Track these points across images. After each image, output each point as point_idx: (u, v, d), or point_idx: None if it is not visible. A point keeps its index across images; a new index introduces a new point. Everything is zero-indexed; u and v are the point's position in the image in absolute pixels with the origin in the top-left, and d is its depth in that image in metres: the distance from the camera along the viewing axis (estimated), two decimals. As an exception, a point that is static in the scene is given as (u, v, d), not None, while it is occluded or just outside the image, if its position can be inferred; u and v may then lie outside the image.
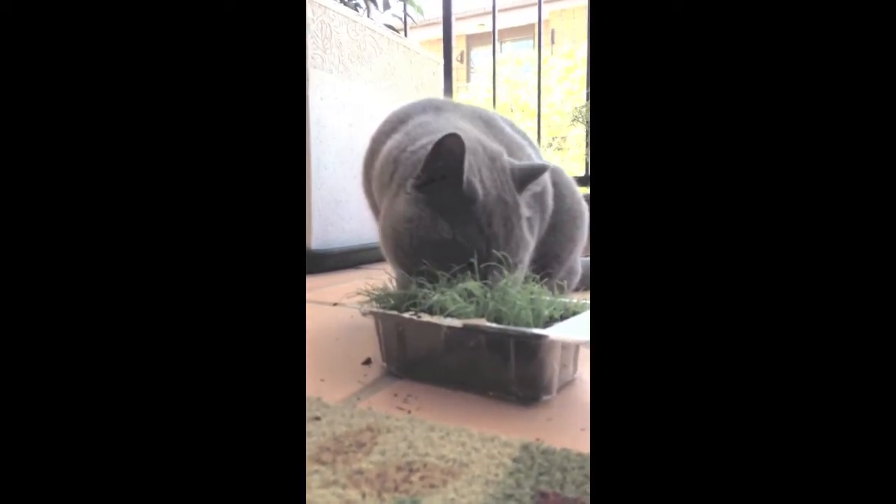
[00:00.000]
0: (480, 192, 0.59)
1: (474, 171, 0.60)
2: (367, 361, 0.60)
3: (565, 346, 0.50)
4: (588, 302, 0.56)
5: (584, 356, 0.56)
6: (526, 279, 0.58)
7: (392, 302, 0.57)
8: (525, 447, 0.38)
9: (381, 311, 0.54)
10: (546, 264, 0.86)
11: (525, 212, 0.66)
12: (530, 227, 0.68)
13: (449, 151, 0.57)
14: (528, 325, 0.48)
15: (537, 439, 0.39)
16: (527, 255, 0.66)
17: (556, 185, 0.86)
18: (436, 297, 0.53)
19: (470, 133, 0.68)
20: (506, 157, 0.67)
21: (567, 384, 0.53)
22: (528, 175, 0.65)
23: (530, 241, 0.66)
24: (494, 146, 0.68)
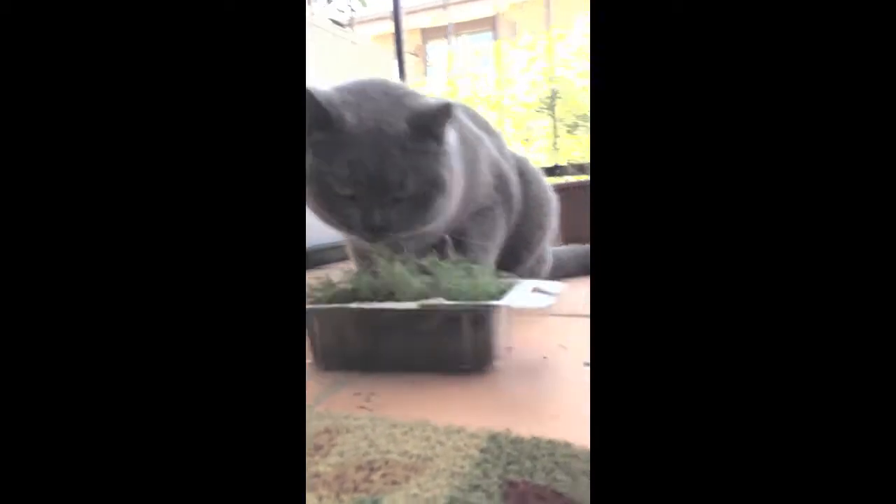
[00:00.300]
0: (349, 121, 0.59)
1: (346, 106, 0.60)
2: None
3: (507, 315, 0.56)
4: (517, 279, 0.61)
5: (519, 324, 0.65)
6: (458, 262, 0.59)
7: (327, 295, 0.56)
8: (493, 437, 0.36)
9: (317, 306, 0.54)
10: (516, 252, 0.86)
11: (433, 147, 0.62)
12: (445, 168, 0.64)
13: (311, 97, 0.58)
14: (477, 300, 0.52)
15: (507, 429, 0.38)
16: (438, 194, 0.62)
17: (521, 173, 0.87)
18: (396, 274, 0.54)
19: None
20: (414, 99, 0.64)
21: (509, 349, 0.59)
22: (427, 112, 0.61)
23: (441, 175, 0.62)
24: (401, 95, 0.65)
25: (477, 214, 0.77)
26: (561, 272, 1.03)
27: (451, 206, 0.66)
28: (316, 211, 0.64)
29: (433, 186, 0.62)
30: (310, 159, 0.61)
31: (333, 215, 0.62)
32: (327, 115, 0.59)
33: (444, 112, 0.61)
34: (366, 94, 0.63)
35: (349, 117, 0.59)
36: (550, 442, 0.35)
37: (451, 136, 0.68)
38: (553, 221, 0.93)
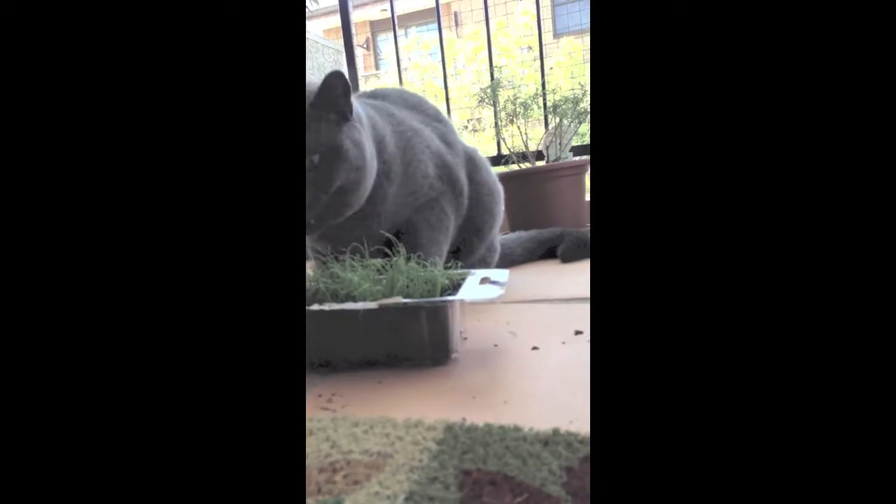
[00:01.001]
0: None
1: None
2: None
3: (461, 307, 0.60)
4: (468, 270, 0.64)
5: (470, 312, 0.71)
6: (409, 259, 0.61)
7: None
8: (449, 428, 0.38)
9: None
10: (468, 239, 0.88)
11: (330, 117, 0.64)
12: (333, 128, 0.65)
13: None
14: (431, 296, 0.55)
15: (462, 418, 0.40)
16: (340, 163, 0.64)
17: (469, 160, 0.89)
18: (349, 277, 0.56)
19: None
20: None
21: (463, 339, 0.63)
22: (320, 89, 0.64)
23: (340, 144, 0.64)
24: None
25: (423, 207, 0.79)
26: (507, 260, 1.06)
27: (365, 182, 0.68)
28: None
29: (331, 152, 0.63)
30: None
31: None
32: None
33: (330, 81, 0.63)
34: None
35: None
36: (502, 427, 0.38)
37: (363, 117, 0.70)
38: (502, 209, 0.96)
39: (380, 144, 0.73)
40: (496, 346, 0.60)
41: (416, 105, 0.89)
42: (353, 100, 0.70)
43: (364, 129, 0.69)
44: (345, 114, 0.66)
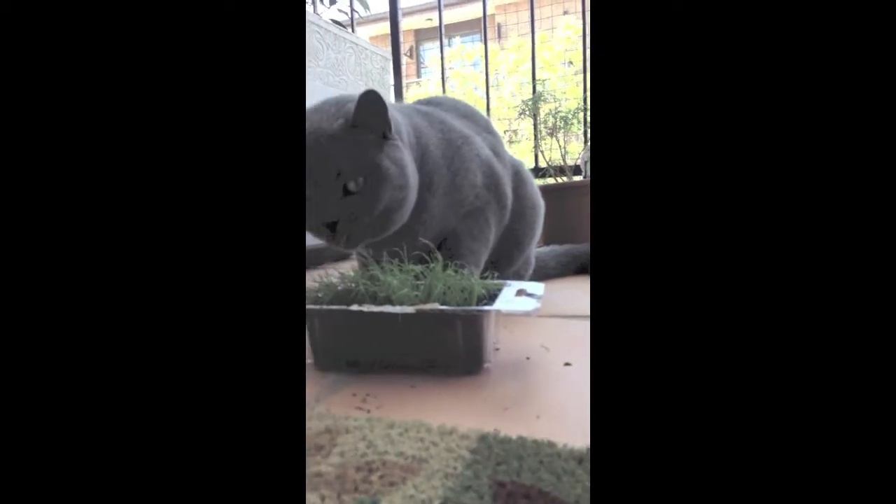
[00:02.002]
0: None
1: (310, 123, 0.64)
2: None
3: (495, 317, 0.60)
4: (504, 281, 0.65)
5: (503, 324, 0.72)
6: (446, 266, 0.61)
7: (327, 296, 0.59)
8: (482, 438, 0.38)
9: (318, 307, 0.56)
10: (508, 252, 0.88)
11: (368, 138, 0.64)
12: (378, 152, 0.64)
13: None
14: (468, 304, 0.56)
15: (496, 429, 0.40)
16: (381, 184, 0.63)
17: (516, 174, 0.89)
18: (388, 281, 0.57)
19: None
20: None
21: (496, 350, 0.63)
22: (357, 105, 0.63)
23: (380, 164, 0.63)
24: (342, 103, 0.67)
25: (467, 216, 0.79)
26: (541, 273, 1.06)
27: (407, 200, 0.67)
28: None
29: (373, 175, 0.63)
30: None
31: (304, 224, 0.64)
32: None
33: (364, 101, 0.62)
34: (319, 108, 0.67)
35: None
36: (535, 442, 0.38)
37: (405, 132, 0.70)
38: (541, 224, 0.96)
39: (423, 156, 0.73)
40: (528, 359, 0.60)
41: (468, 114, 0.89)
42: (395, 112, 0.71)
43: (404, 146, 0.69)
44: (384, 132, 0.65)
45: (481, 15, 1.91)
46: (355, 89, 1.56)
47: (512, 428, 0.41)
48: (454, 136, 0.79)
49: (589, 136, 1.67)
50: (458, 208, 0.78)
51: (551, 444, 0.37)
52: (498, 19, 6.29)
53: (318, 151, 0.61)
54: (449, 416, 0.44)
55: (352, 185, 0.62)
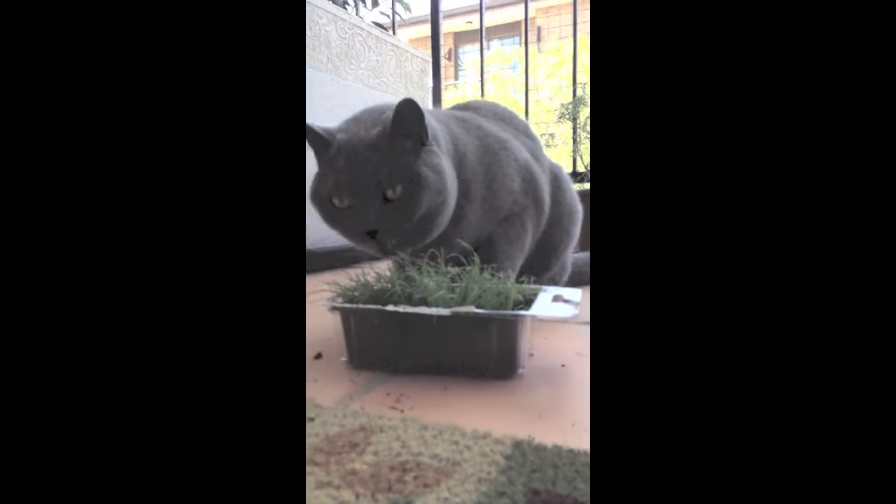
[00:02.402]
0: (332, 139, 0.65)
1: (341, 129, 0.67)
2: (319, 356, 0.62)
3: (531, 322, 0.59)
4: (541, 286, 0.65)
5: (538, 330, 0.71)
6: (482, 269, 0.61)
7: (363, 296, 0.60)
8: (517, 444, 0.38)
9: (354, 306, 0.57)
10: (545, 257, 0.87)
11: (406, 145, 0.64)
12: (434, 170, 0.65)
13: (309, 129, 0.65)
14: (503, 309, 0.55)
15: (530, 436, 0.40)
16: (422, 190, 0.63)
17: (555, 179, 0.88)
18: (424, 283, 0.57)
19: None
20: (391, 109, 0.66)
21: (530, 356, 0.62)
22: (394, 118, 0.63)
23: (419, 171, 0.63)
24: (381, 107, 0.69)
25: (504, 221, 0.79)
26: (576, 279, 1.04)
27: (446, 206, 0.67)
28: (340, 234, 0.69)
29: (413, 182, 0.63)
30: (314, 183, 0.68)
31: (344, 232, 0.66)
32: (322, 139, 0.66)
33: (402, 108, 0.62)
34: (359, 118, 0.69)
35: (340, 137, 0.65)
36: (571, 451, 0.37)
37: (441, 139, 0.70)
38: (579, 230, 0.94)
39: (460, 164, 0.73)
40: (563, 366, 0.59)
41: (506, 118, 0.89)
42: (433, 119, 0.71)
43: (442, 152, 0.69)
44: (421, 138, 0.66)
45: (519, 18, 1.90)
46: (395, 91, 1.58)
47: (546, 435, 0.40)
48: (491, 141, 0.78)
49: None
50: (496, 214, 0.77)
51: (587, 454, 0.36)
52: (538, 22, 6.26)
53: (357, 160, 0.62)
54: (482, 420, 0.44)
55: (391, 193, 0.62)
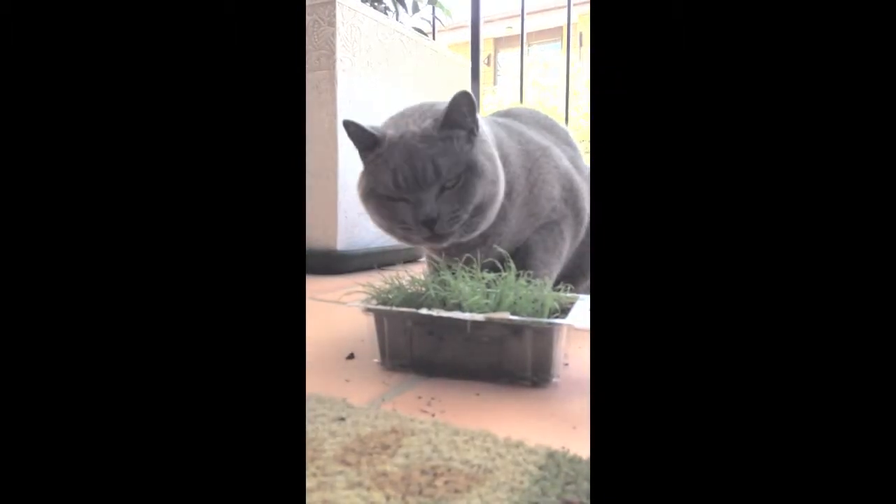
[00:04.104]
0: (390, 136, 0.66)
1: (387, 125, 0.69)
2: (351, 356, 0.62)
3: (566, 331, 0.58)
4: (578, 295, 0.64)
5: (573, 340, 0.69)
6: (518, 276, 0.60)
7: (397, 298, 0.59)
8: (551, 455, 0.37)
9: (388, 308, 0.57)
10: (583, 266, 0.86)
11: (460, 135, 0.65)
12: (484, 173, 0.66)
13: (357, 126, 0.66)
14: (539, 316, 0.55)
15: (564, 447, 0.39)
16: (477, 178, 0.65)
17: None
18: (459, 287, 0.57)
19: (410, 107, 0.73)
20: (442, 104, 0.68)
21: (565, 365, 0.61)
22: (448, 105, 0.64)
23: (474, 159, 0.65)
24: (435, 111, 0.68)
25: (542, 228, 0.78)
26: None
27: (499, 195, 0.68)
28: (387, 230, 0.70)
29: (469, 170, 0.64)
30: (365, 181, 0.69)
31: (395, 225, 0.67)
32: (373, 136, 0.66)
33: (458, 100, 0.64)
34: (404, 115, 0.70)
35: (390, 133, 0.66)
36: (607, 466, 0.36)
37: (487, 131, 0.71)
38: None
39: (504, 165, 0.73)
40: (599, 377, 0.57)
41: (547, 126, 0.89)
42: (479, 117, 0.72)
43: (490, 143, 0.70)
44: (472, 130, 0.67)
45: (560, 23, 1.88)
46: (435, 96, 1.59)
47: (581, 447, 0.39)
48: (532, 148, 0.78)
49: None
50: (534, 220, 0.77)
51: (624, 469, 0.35)
52: (579, 28, 6.19)
53: (413, 153, 0.63)
54: (513, 428, 0.43)
55: (449, 182, 0.64)
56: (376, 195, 0.67)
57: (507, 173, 0.73)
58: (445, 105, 0.66)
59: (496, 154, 0.69)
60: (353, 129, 0.67)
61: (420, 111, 0.69)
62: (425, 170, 0.63)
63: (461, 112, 0.65)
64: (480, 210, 0.66)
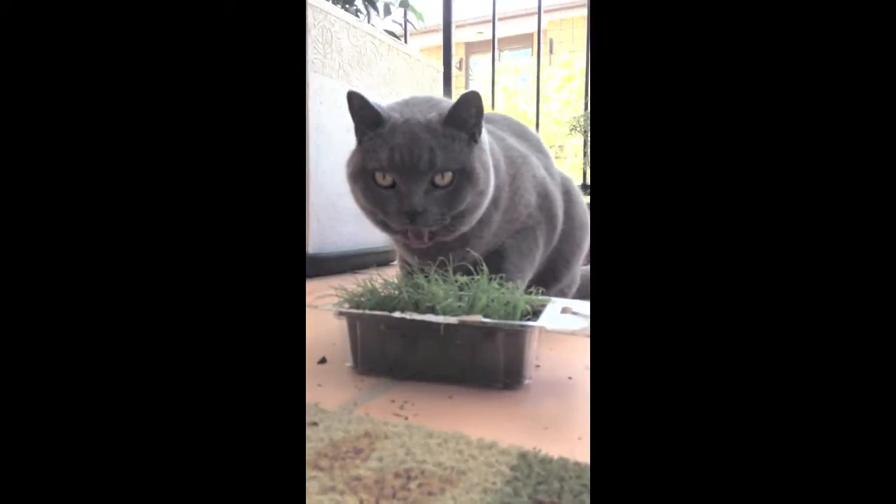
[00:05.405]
0: (388, 117, 0.65)
1: (393, 109, 0.67)
2: (323, 360, 0.62)
3: (538, 334, 0.59)
4: (549, 298, 0.64)
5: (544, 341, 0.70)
6: (491, 279, 0.61)
7: (370, 302, 0.59)
8: (523, 455, 0.38)
9: (361, 311, 0.56)
10: (555, 269, 0.88)
11: (462, 136, 0.65)
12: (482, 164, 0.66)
13: (364, 100, 0.65)
14: (511, 319, 0.55)
15: (536, 448, 0.39)
16: (470, 185, 0.65)
17: (567, 192, 0.88)
18: (432, 290, 0.57)
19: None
20: (449, 102, 0.69)
21: (537, 367, 0.61)
22: (456, 102, 0.65)
23: (470, 165, 0.65)
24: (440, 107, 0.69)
25: (517, 233, 0.79)
26: (584, 291, 1.04)
27: (483, 205, 0.68)
28: (368, 213, 0.69)
29: (462, 174, 0.64)
30: (359, 157, 0.67)
31: (377, 209, 0.66)
32: (378, 115, 0.65)
33: (468, 99, 0.64)
34: (409, 103, 0.69)
35: (396, 116, 0.65)
36: (577, 464, 0.37)
37: (486, 140, 0.71)
38: (588, 243, 0.95)
39: (494, 172, 0.73)
40: (570, 378, 0.58)
41: (521, 133, 0.90)
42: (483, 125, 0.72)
43: (489, 156, 0.70)
44: (474, 135, 0.66)
45: (531, 30, 1.91)
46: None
47: (552, 448, 0.40)
48: (514, 155, 0.79)
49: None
50: (510, 225, 0.78)
51: (594, 468, 0.36)
52: (549, 34, 6.29)
53: (415, 139, 0.63)
54: (486, 430, 0.43)
55: (439, 179, 0.63)
56: (364, 174, 0.66)
57: (497, 179, 0.73)
58: (452, 103, 0.66)
59: (492, 164, 0.69)
60: (358, 103, 0.65)
61: (428, 103, 0.69)
62: (421, 157, 0.62)
63: (468, 112, 0.64)
64: (461, 216, 0.66)
